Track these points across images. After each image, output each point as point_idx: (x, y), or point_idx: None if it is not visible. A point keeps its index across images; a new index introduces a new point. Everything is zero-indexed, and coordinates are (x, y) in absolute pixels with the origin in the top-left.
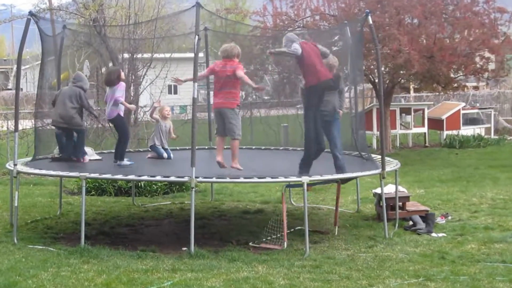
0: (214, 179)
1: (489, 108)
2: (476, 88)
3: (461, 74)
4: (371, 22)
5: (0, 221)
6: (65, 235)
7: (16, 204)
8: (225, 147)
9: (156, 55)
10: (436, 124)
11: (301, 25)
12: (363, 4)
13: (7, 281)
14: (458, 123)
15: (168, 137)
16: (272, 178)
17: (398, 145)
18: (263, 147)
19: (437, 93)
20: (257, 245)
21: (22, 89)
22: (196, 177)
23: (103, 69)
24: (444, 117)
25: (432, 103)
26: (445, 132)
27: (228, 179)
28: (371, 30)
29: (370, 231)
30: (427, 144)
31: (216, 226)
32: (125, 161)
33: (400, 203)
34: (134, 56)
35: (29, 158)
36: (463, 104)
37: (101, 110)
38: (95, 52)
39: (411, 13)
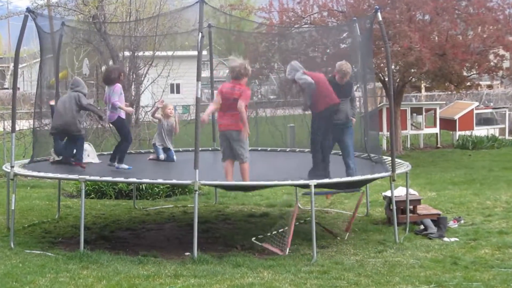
0: (218, 182)
1: (504, 107)
2: (490, 87)
3: (475, 72)
4: (380, 18)
5: None
6: (64, 240)
7: (13, 208)
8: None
9: (158, 53)
10: (448, 124)
11: (308, 21)
12: (372, 0)
13: (3, 287)
14: (471, 123)
15: (174, 134)
16: (278, 181)
17: (408, 146)
18: (268, 149)
19: (450, 92)
20: (260, 243)
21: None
22: (199, 180)
23: (103, 68)
24: (456, 117)
25: (444, 102)
26: (458, 133)
27: (232, 182)
28: (381, 27)
29: (380, 236)
30: (439, 145)
31: (220, 230)
32: (124, 165)
33: (411, 207)
34: (135, 54)
35: (27, 160)
36: (477, 103)
37: (100, 110)
38: (94, 50)
39: (423, 9)
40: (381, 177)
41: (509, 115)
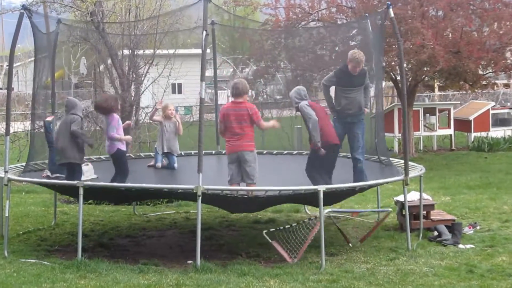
0: (222, 187)
1: None
2: (506, 86)
3: (491, 70)
4: (392, 14)
5: None
6: (60, 248)
7: (7, 214)
8: None
9: (158, 52)
10: (463, 125)
11: (316, 18)
12: None
13: None
14: (487, 124)
15: (176, 135)
16: (285, 186)
17: (421, 148)
18: (275, 152)
19: (464, 92)
20: (270, 239)
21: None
22: (202, 185)
23: (101, 67)
24: (471, 117)
25: (459, 102)
26: (473, 134)
27: (237, 188)
28: (393, 24)
29: (392, 242)
30: (453, 147)
31: (224, 237)
32: None
33: (424, 212)
34: (135, 53)
35: (21, 164)
36: (493, 103)
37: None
38: (92, 48)
39: (436, 4)
40: (394, 181)
41: None
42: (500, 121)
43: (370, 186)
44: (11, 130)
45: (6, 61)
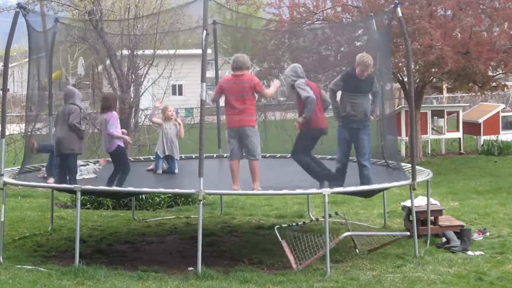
0: (224, 191)
1: None
2: None
3: (501, 72)
4: (400, 14)
5: None
6: (57, 254)
7: (2, 219)
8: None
9: (159, 52)
10: (472, 128)
11: (321, 18)
12: None
13: None
14: (497, 127)
15: (177, 138)
16: (289, 189)
17: (429, 152)
18: (278, 155)
19: (473, 94)
20: (280, 238)
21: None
22: (204, 189)
23: (100, 68)
24: (481, 120)
25: (468, 104)
26: (483, 137)
27: (239, 191)
28: (401, 23)
29: (398, 249)
30: (462, 151)
31: (226, 243)
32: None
33: (432, 218)
34: (135, 53)
35: (17, 167)
36: (503, 105)
37: (97, 113)
38: (90, 48)
39: (444, 3)
40: (400, 186)
41: None
42: (511, 124)
43: (377, 191)
44: (7, 132)
45: (1, 61)
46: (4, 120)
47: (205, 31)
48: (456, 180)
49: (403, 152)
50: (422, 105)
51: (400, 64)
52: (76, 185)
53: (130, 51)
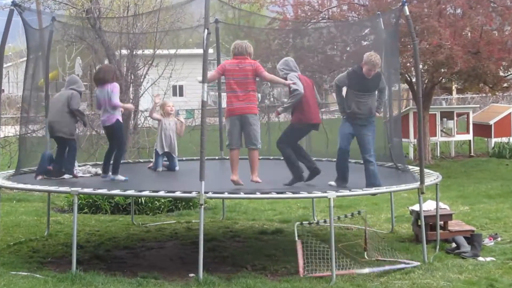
0: (226, 195)
1: None
2: None
3: None
4: (407, 12)
5: None
6: (54, 260)
7: None
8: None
9: (159, 52)
10: (482, 130)
11: (326, 16)
12: None
13: None
14: (509, 129)
15: (177, 136)
16: (293, 193)
17: (438, 155)
18: (282, 158)
19: (484, 95)
20: (297, 239)
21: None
22: (205, 192)
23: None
24: (492, 122)
25: (478, 106)
26: (493, 140)
27: (242, 195)
28: (408, 22)
29: (407, 255)
30: (472, 154)
31: (228, 248)
32: (120, 176)
33: (441, 222)
34: (134, 53)
35: (12, 171)
36: None
37: (95, 114)
38: (88, 48)
39: (454, 2)
40: (408, 189)
41: None
42: None
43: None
44: (1, 135)
45: None
46: None
47: (206, 30)
48: (466, 183)
49: (411, 154)
50: (431, 107)
51: (408, 64)
52: (73, 189)
53: (129, 51)
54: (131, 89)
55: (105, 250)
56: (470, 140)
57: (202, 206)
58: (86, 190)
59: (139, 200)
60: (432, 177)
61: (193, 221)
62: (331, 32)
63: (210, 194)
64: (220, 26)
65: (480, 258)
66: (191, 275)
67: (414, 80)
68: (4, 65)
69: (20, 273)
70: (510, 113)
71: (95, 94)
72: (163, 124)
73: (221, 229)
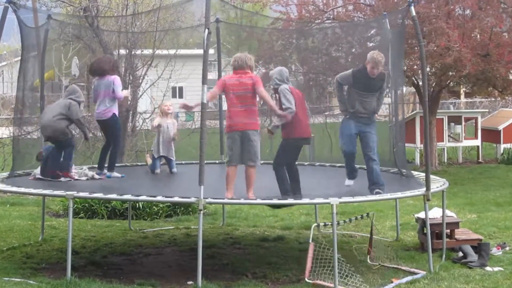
0: (226, 200)
1: None
2: None
3: None
4: (414, 13)
5: None
6: (48, 266)
7: None
8: None
9: (158, 52)
10: (491, 135)
11: (331, 16)
12: None
13: None
14: None
15: (173, 140)
16: (295, 199)
17: (445, 161)
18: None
19: (493, 99)
20: (309, 241)
21: None
22: (204, 198)
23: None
24: (501, 127)
25: (487, 110)
26: (503, 146)
27: (242, 200)
28: (415, 23)
29: (412, 264)
30: (480, 160)
31: (228, 256)
32: (116, 173)
33: (448, 231)
34: (133, 53)
35: (6, 173)
36: None
37: (91, 116)
38: (85, 47)
39: (463, 2)
40: (414, 196)
41: None
42: None
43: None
44: None
45: None
46: None
47: (207, 30)
48: (474, 190)
49: (417, 160)
50: (438, 111)
51: (415, 66)
52: (68, 193)
53: (127, 51)
54: (129, 90)
55: (101, 256)
56: (478, 146)
57: (202, 212)
58: (81, 194)
59: (137, 205)
60: (438, 184)
61: (192, 227)
62: (336, 32)
63: (209, 199)
64: (221, 26)
65: (488, 268)
66: (190, 282)
67: (421, 83)
68: None
69: (13, 279)
70: None
71: (93, 84)
72: (162, 127)
73: (221, 235)
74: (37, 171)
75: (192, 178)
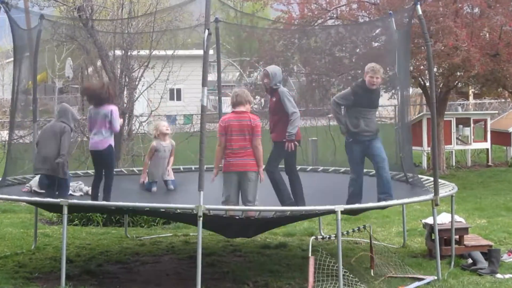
0: (227, 207)
1: None
2: None
3: None
4: (420, 12)
5: None
6: (42, 275)
7: None
8: None
9: (155, 53)
10: (501, 138)
11: (335, 15)
12: None
13: None
14: None
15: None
16: (298, 206)
17: (454, 164)
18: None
19: (503, 100)
20: (310, 254)
21: None
22: (204, 204)
23: (90, 70)
24: (511, 129)
25: (497, 112)
26: None
27: (244, 207)
28: (421, 22)
29: (420, 271)
30: (490, 163)
31: (228, 264)
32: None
33: (457, 237)
34: (129, 54)
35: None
36: None
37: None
38: (80, 48)
39: (471, 0)
40: (421, 201)
41: None
42: None
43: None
44: None
45: None
46: None
47: (207, 30)
48: (483, 195)
49: (424, 164)
50: (446, 113)
51: (422, 67)
52: (62, 199)
53: (123, 52)
54: (125, 92)
55: (97, 264)
56: (487, 149)
57: (201, 218)
58: (76, 200)
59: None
60: (447, 188)
61: (191, 234)
62: (340, 32)
63: (209, 206)
64: (220, 26)
65: (498, 275)
66: None
67: (428, 84)
68: None
69: None
70: None
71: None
72: (158, 150)
73: (220, 242)
74: (34, 183)
75: (191, 184)
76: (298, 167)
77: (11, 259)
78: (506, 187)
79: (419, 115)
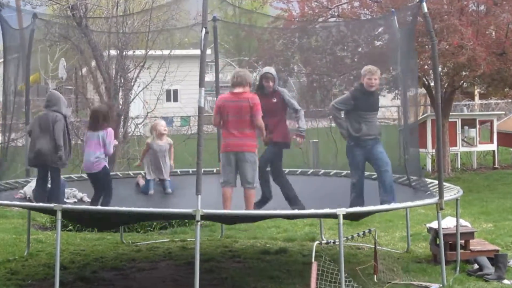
0: (225, 211)
1: None
2: None
3: None
4: (426, 10)
5: None
6: (35, 282)
7: None
8: None
9: (151, 52)
10: (508, 139)
11: (336, 14)
12: None
13: None
14: None
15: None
16: (299, 209)
17: (459, 166)
18: (286, 170)
19: (510, 100)
20: (313, 260)
21: None
22: (202, 208)
23: (84, 70)
24: None
25: (503, 112)
26: None
27: (243, 211)
28: (426, 20)
29: (424, 276)
30: (496, 166)
31: (227, 270)
32: None
33: (462, 241)
34: (124, 54)
35: None
36: None
37: (80, 122)
38: (73, 48)
39: None
40: (425, 205)
41: None
42: None
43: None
44: None
45: None
46: None
47: (204, 29)
48: (489, 198)
49: (429, 166)
50: (451, 113)
51: (426, 66)
52: (56, 204)
53: (118, 52)
54: (120, 93)
55: (91, 271)
56: (494, 151)
57: (199, 223)
58: (69, 206)
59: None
60: (452, 192)
61: (189, 239)
62: (341, 31)
63: (207, 210)
64: (218, 25)
65: (505, 281)
66: None
67: (432, 84)
68: None
69: None
70: None
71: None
72: (153, 148)
73: (219, 248)
74: (28, 189)
75: (188, 187)
76: (299, 170)
77: (3, 266)
78: None
79: (424, 116)
